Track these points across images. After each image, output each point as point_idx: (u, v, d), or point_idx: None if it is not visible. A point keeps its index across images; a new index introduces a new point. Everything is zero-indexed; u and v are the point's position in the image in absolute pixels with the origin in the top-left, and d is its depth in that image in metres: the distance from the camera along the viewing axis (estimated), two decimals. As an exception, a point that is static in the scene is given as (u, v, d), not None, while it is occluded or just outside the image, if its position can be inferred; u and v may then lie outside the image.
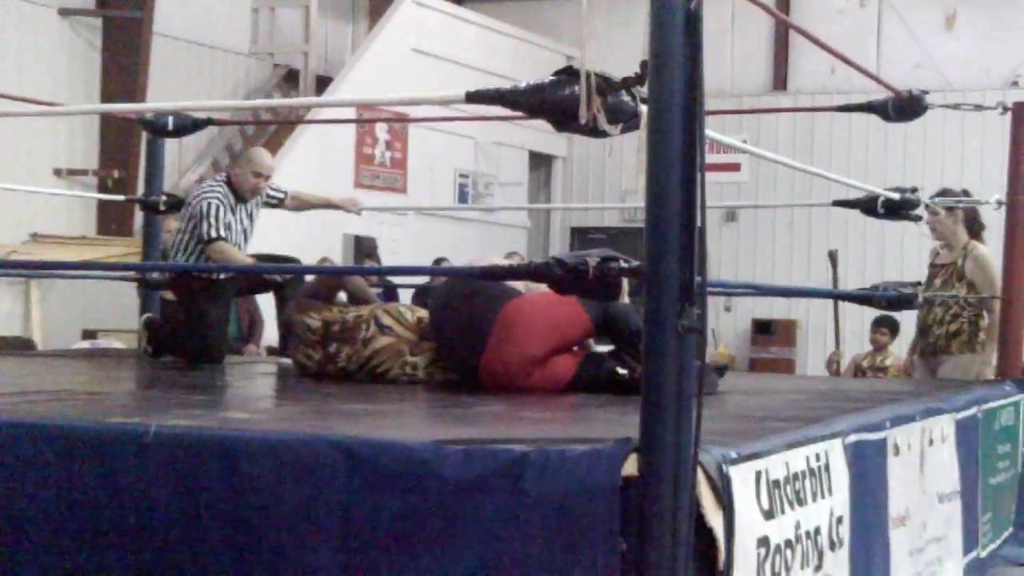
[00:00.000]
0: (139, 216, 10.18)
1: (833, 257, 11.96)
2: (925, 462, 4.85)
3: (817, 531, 3.56)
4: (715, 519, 2.93)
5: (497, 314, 5.19)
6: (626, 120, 3.17)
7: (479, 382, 5.22)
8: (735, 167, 17.62)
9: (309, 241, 12.26)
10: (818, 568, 3.55)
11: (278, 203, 7.46)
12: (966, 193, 8.04)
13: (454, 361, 5.42)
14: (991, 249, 7.83)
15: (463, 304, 5.32)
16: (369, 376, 5.58)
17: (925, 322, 8.12)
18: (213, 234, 6.79)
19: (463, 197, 16.71)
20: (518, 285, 5.34)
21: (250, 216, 7.08)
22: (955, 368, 7.90)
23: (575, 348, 5.35)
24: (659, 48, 2.92)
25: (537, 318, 5.18)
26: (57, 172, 13.82)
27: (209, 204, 6.83)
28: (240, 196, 6.98)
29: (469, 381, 5.27)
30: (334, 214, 8.92)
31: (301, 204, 7.73)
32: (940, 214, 7.73)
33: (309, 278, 6.63)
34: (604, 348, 5.45)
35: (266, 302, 8.79)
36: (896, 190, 6.74)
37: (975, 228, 8.08)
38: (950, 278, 7.96)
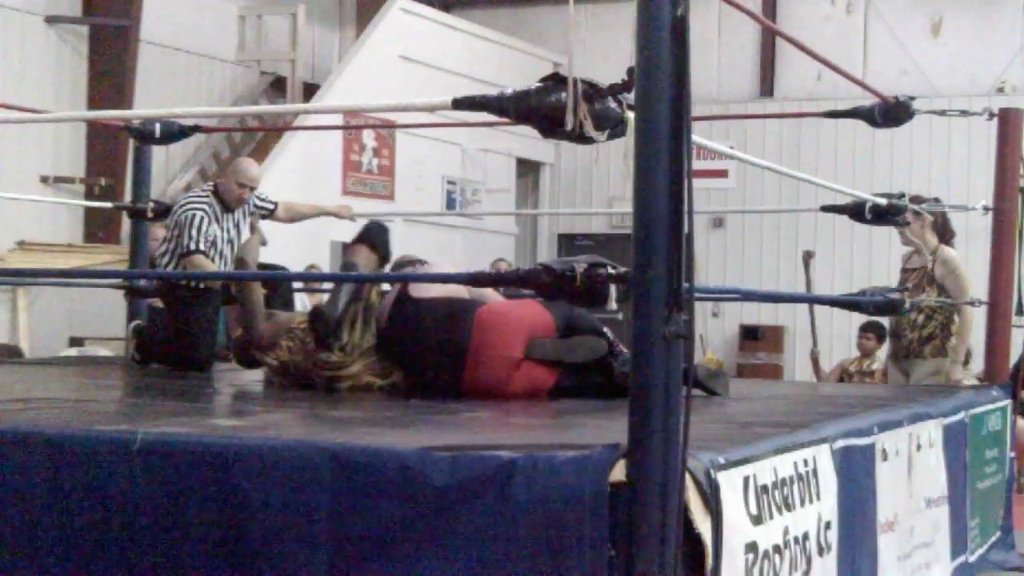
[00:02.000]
0: (126, 223, 10.15)
1: (807, 259, 11.92)
2: (913, 467, 4.86)
3: (805, 536, 3.56)
4: (703, 525, 2.93)
5: (472, 322, 5.13)
6: (613, 127, 3.17)
7: (460, 393, 5.11)
8: (722, 173, 17.63)
9: (296, 249, 12.24)
10: (806, 573, 3.56)
11: (269, 213, 7.44)
12: (937, 200, 8.11)
13: (430, 378, 5.28)
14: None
15: (427, 321, 5.23)
16: None
17: (898, 325, 8.21)
18: (192, 247, 6.76)
19: (451, 204, 16.69)
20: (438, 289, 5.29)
21: (236, 226, 7.06)
22: (927, 371, 7.98)
23: None
24: (646, 55, 2.92)
25: (511, 320, 5.18)
26: (44, 179, 13.78)
27: (193, 215, 6.80)
28: (226, 205, 6.96)
29: (450, 392, 5.14)
30: (320, 221, 8.90)
31: (293, 214, 7.72)
32: (909, 220, 7.80)
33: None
34: None
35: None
36: (883, 195, 6.76)
37: (946, 234, 8.21)
38: (921, 282, 8.06)
